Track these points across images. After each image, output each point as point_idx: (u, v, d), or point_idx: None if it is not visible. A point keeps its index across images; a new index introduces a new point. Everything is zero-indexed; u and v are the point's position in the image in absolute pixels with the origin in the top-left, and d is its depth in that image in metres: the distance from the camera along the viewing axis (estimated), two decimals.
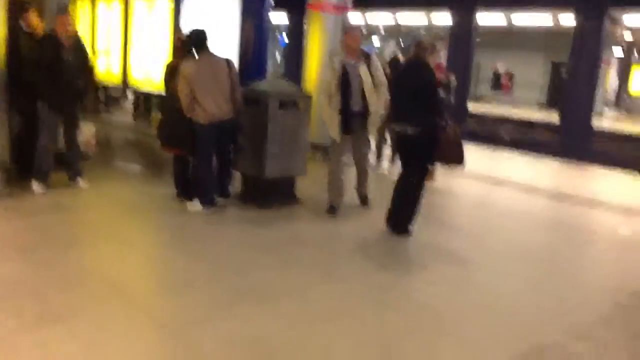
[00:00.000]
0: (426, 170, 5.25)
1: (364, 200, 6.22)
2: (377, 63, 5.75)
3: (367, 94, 5.59)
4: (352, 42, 5.70)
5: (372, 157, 8.29)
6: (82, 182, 6.10)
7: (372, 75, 5.64)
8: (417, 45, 5.28)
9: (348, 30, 6.20)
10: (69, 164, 6.12)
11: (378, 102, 5.68)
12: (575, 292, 4.41)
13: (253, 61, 6.96)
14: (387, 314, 3.72)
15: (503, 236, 5.76)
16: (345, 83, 5.56)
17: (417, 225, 5.44)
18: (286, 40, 25.77)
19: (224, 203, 5.75)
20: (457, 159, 5.27)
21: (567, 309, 4.04)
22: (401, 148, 5.46)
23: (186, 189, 5.74)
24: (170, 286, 3.96)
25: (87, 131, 6.38)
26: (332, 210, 5.84)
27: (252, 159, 5.82)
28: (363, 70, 5.61)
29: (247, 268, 4.31)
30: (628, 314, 4.06)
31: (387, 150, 8.38)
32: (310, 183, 6.50)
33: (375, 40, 32.51)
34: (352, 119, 5.65)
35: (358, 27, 5.32)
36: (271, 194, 5.91)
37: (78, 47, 5.93)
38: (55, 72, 5.63)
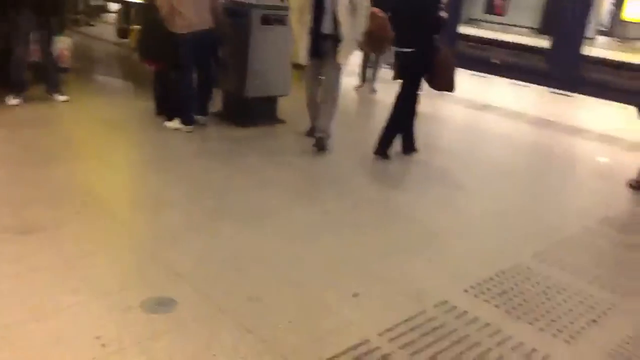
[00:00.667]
0: (415, 89, 5.25)
1: (317, 142, 5.32)
2: None
3: (339, 17, 5.03)
4: None
5: (354, 82, 8.23)
6: (60, 96, 5.97)
7: None
8: None
9: None
10: (46, 77, 5.98)
11: (353, 26, 5.13)
12: (549, 215, 4.52)
13: None
14: (367, 232, 3.79)
15: (486, 159, 5.81)
16: (317, 0, 5.07)
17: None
18: None
19: (204, 121, 5.68)
20: (448, 84, 5.22)
21: (539, 231, 4.13)
22: (401, 66, 5.29)
23: (166, 105, 5.64)
24: (150, 203, 3.96)
25: (61, 43, 6.14)
26: (311, 132, 5.61)
27: (233, 76, 5.70)
28: None
29: (227, 187, 4.31)
30: (593, 237, 4.15)
31: (380, 73, 8.23)
32: (294, 103, 6.41)
33: None
34: (322, 42, 5.15)
35: None
36: (252, 113, 5.84)
37: None
38: None
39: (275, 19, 5.75)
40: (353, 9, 5.07)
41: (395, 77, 5.33)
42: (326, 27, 5.08)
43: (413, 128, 5.53)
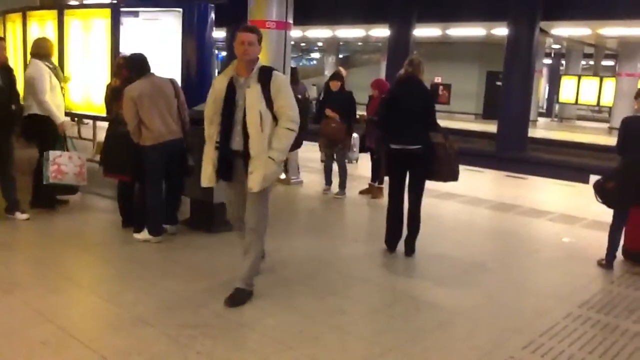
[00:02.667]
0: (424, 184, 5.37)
1: (234, 294, 4.12)
2: (281, 83, 3.92)
3: (249, 128, 3.85)
4: (238, 47, 3.86)
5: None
6: (19, 215, 5.78)
7: (267, 100, 3.85)
8: (410, 62, 5.31)
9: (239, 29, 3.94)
10: (5, 195, 5.81)
11: (275, 140, 3.86)
12: (528, 303, 4.51)
13: (198, 81, 6.79)
14: (350, 334, 3.67)
15: (454, 249, 5.81)
16: (228, 108, 3.94)
17: (365, 243, 5.41)
18: (223, 55, 25.52)
19: (173, 230, 5.57)
20: (454, 174, 5.33)
21: (524, 323, 4.09)
22: (401, 166, 5.31)
23: (131, 217, 5.52)
24: (121, 324, 3.76)
25: (77, 160, 5.98)
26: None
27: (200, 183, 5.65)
28: (253, 93, 3.86)
29: (201, 300, 4.16)
30: (578, 323, 4.14)
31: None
32: None
33: (315, 54, 32.81)
34: (232, 160, 4.04)
35: (250, 27, 3.99)
36: (221, 218, 5.76)
37: (6, 72, 5.69)
38: None
39: None
40: (276, 116, 3.90)
41: (386, 174, 5.45)
42: (235, 141, 3.96)
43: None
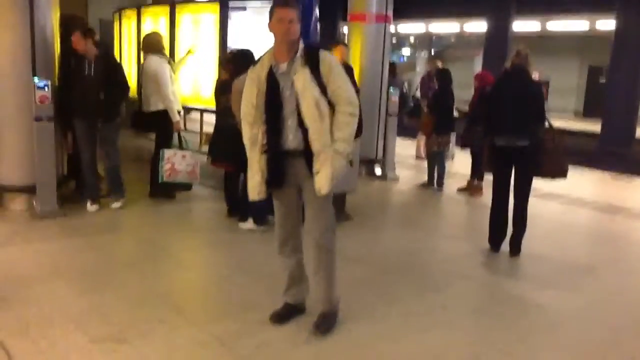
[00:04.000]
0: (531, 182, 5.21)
1: (319, 320, 3.58)
2: (332, 63, 3.27)
3: (306, 120, 3.23)
4: (278, 26, 3.24)
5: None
6: (89, 205, 5.88)
7: (320, 85, 3.22)
8: (517, 54, 5.18)
9: None
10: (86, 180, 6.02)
11: (336, 130, 3.25)
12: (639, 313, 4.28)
13: None
14: (460, 330, 3.63)
15: (560, 250, 5.60)
16: (273, 102, 3.31)
17: (465, 241, 5.31)
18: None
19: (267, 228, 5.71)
20: (563, 170, 5.17)
21: (634, 331, 3.89)
22: (506, 163, 5.15)
23: (238, 207, 5.71)
24: (235, 310, 3.90)
25: (190, 159, 6.16)
26: (276, 317, 3.65)
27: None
28: (302, 78, 3.22)
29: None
30: None
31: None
32: (360, 199, 6.44)
33: (406, 50, 32.42)
34: (284, 162, 3.38)
35: (289, 1, 3.24)
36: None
37: (101, 61, 5.81)
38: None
39: None
40: (324, 106, 3.24)
41: (489, 171, 5.33)
42: (289, 139, 3.34)
43: None
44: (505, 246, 5.31)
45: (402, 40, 31.72)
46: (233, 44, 6.66)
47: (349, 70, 7.28)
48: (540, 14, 18.15)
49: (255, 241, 5.28)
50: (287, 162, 3.38)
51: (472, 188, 7.72)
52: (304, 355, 3.28)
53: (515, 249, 5.23)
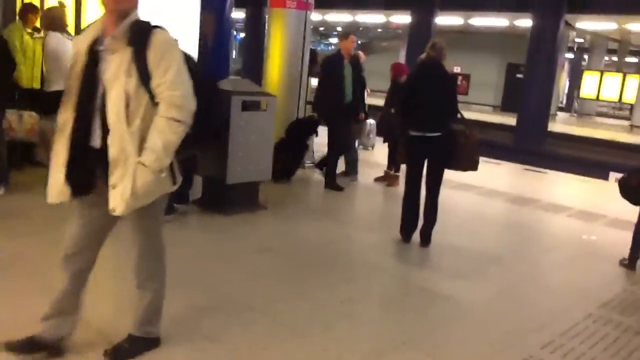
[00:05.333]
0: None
1: (116, 348, 2.88)
2: (165, 46, 2.56)
3: (108, 117, 2.52)
4: None
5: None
6: None
7: (142, 73, 2.49)
8: (432, 46, 5.14)
9: None
10: None
11: (150, 136, 2.51)
12: (547, 301, 4.35)
13: (214, 58, 6.65)
14: (364, 325, 3.54)
15: (471, 241, 5.66)
16: (87, 84, 2.58)
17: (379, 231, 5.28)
18: (241, 36, 25.28)
19: (184, 210, 5.45)
20: (474, 163, 5.17)
21: (542, 321, 3.94)
22: (420, 154, 5.11)
23: None
24: (130, 304, 3.65)
25: (28, 119, 6.02)
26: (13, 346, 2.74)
27: (214, 162, 5.54)
28: (117, 61, 2.52)
29: (212, 280, 4.05)
30: (599, 324, 3.98)
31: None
32: (275, 188, 6.28)
33: (333, 40, 32.48)
34: (93, 164, 2.63)
35: None
36: (234, 200, 5.64)
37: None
38: None
39: (256, 104, 5.71)
40: (137, 102, 2.51)
41: (404, 162, 5.30)
42: (95, 135, 2.60)
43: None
44: (417, 236, 5.30)
45: (330, 30, 31.76)
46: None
47: (356, 66, 7.12)
48: (463, 9, 18.55)
49: None
50: (94, 164, 2.63)
51: (389, 178, 7.73)
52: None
53: (426, 239, 5.23)
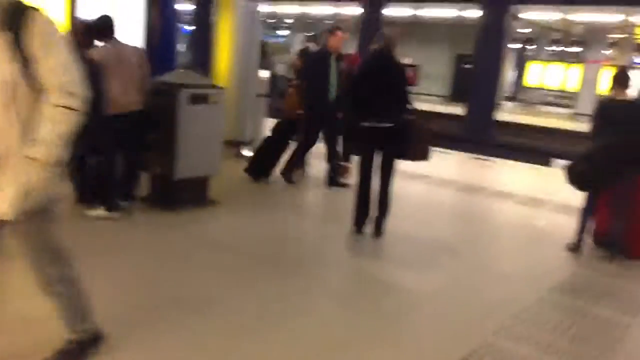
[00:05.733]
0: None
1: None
2: (45, 29, 2.31)
3: None
4: None
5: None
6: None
7: (23, 59, 2.26)
8: (381, 36, 5.10)
9: None
10: None
11: (40, 127, 2.27)
12: (500, 287, 4.42)
13: (161, 50, 6.47)
14: (321, 320, 3.50)
15: (423, 230, 5.70)
16: None
17: (332, 223, 5.25)
18: (188, 29, 24.72)
19: (130, 207, 5.28)
20: (425, 153, 5.17)
21: (494, 307, 3.99)
22: (372, 145, 5.08)
23: (86, 192, 5.21)
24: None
25: None
26: None
27: (161, 158, 5.39)
28: None
29: (160, 278, 3.93)
30: (551, 309, 4.07)
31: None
32: (225, 182, 6.16)
33: (283, 32, 32.26)
34: None
35: None
36: (182, 195, 5.50)
37: None
38: None
39: (204, 97, 5.57)
40: (18, 91, 2.27)
41: (355, 153, 5.26)
42: None
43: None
44: (370, 227, 5.29)
45: (279, 22, 31.52)
46: (85, 15, 6.05)
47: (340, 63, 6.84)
48: (412, 0, 18.70)
49: (105, 229, 4.83)
50: None
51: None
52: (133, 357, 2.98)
53: (378, 230, 5.23)
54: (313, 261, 4.63)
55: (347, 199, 5.70)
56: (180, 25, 24.00)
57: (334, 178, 7.01)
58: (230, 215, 5.59)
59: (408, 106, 5.18)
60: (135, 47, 5.05)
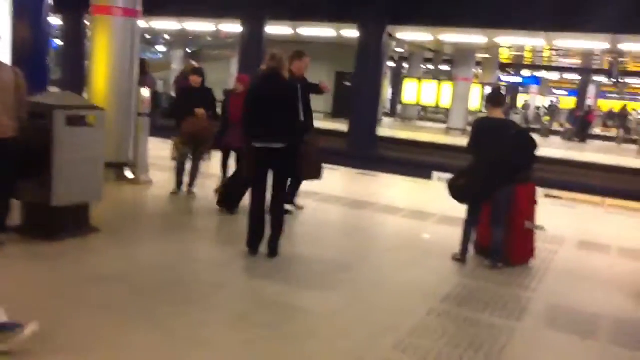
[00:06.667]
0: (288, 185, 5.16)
1: None
2: None
3: None
4: None
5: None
6: None
7: None
8: (272, 57, 5.04)
9: None
10: None
11: None
12: (394, 301, 4.52)
13: (31, 68, 5.99)
14: (214, 351, 3.35)
15: (316, 248, 5.70)
16: None
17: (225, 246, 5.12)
18: (57, 44, 23.25)
19: (3, 239, 4.81)
20: (318, 172, 5.14)
21: (391, 322, 4.06)
22: (264, 165, 5.03)
23: None
24: None
25: None
26: None
27: (36, 184, 4.97)
28: None
29: (42, 318, 3.58)
30: (441, 319, 4.21)
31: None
32: (107, 208, 5.81)
33: (161, 48, 31.44)
34: None
35: None
36: (61, 223, 5.11)
37: None
38: None
39: (82, 119, 5.24)
40: None
41: (249, 174, 5.12)
42: None
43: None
44: (264, 248, 5.21)
45: (157, 37, 30.72)
46: None
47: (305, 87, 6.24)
48: (291, 19, 18.92)
49: None
50: None
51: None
52: None
53: (273, 250, 5.16)
54: (209, 288, 4.45)
55: (238, 219, 5.59)
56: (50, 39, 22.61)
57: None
58: (114, 244, 5.26)
59: (303, 125, 5.18)
60: (10, 67, 4.62)
